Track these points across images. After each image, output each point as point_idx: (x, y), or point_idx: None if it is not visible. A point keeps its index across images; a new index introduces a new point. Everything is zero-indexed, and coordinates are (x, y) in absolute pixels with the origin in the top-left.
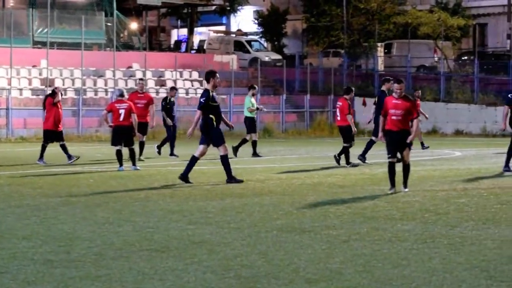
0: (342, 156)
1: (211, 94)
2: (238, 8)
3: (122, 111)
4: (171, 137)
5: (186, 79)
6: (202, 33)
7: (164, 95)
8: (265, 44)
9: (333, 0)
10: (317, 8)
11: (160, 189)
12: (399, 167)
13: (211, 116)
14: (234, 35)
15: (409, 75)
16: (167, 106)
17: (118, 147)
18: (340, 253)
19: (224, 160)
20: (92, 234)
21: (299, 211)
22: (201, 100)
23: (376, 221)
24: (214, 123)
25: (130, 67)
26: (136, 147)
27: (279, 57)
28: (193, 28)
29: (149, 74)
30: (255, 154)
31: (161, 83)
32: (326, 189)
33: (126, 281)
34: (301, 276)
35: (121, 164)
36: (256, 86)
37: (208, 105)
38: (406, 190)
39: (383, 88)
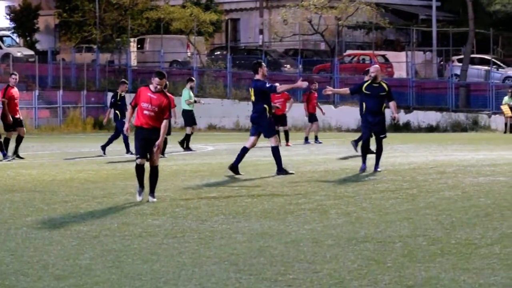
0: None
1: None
2: None
3: None
4: (115, 135)
5: None
6: None
7: None
8: (17, 40)
9: None
10: (70, 3)
11: None
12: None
13: (265, 105)
14: None
15: (162, 70)
16: (118, 102)
17: None
18: (90, 249)
19: (275, 151)
20: None
21: (50, 207)
22: (268, 85)
23: (127, 216)
24: (267, 112)
25: None
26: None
27: (31, 52)
28: None
29: None
30: (187, 148)
31: None
32: (78, 185)
33: None
34: (50, 273)
35: None
36: (194, 79)
37: (263, 94)
38: (154, 200)
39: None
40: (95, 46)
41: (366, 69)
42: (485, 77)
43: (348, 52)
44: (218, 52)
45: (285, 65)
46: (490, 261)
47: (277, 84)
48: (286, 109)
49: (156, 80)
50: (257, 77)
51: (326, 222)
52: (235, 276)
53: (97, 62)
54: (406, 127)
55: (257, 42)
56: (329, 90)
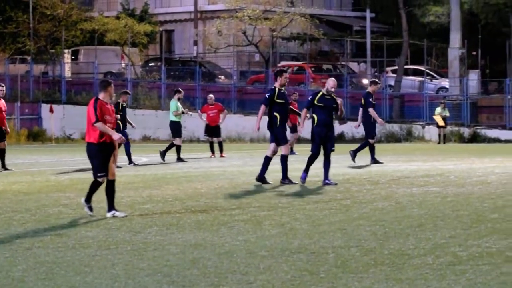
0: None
1: (277, 91)
2: None
3: None
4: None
5: None
6: None
7: None
8: None
9: (20, 6)
10: (3, 14)
11: None
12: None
13: (275, 114)
14: None
15: (96, 81)
16: (120, 113)
17: None
18: (23, 261)
19: (283, 160)
20: None
21: None
22: (266, 95)
23: (60, 228)
24: (278, 121)
25: None
26: None
27: None
28: None
29: None
30: (179, 159)
31: None
32: (11, 196)
33: None
34: None
35: None
36: (182, 90)
37: (273, 102)
38: (122, 214)
39: (369, 89)
40: (29, 57)
41: (372, 79)
42: (419, 88)
43: (283, 63)
44: (153, 64)
45: (220, 77)
46: (423, 271)
47: (263, 106)
48: (220, 120)
49: (112, 87)
50: (275, 84)
51: (260, 233)
52: (168, 287)
53: (31, 73)
54: (341, 138)
55: (192, 54)
56: (301, 128)
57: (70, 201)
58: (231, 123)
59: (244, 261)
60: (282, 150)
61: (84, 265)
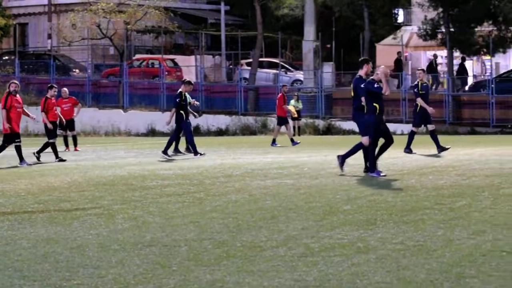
0: None
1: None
2: None
3: None
4: (176, 136)
5: None
6: None
7: None
8: None
9: None
10: None
11: None
12: None
13: (362, 103)
14: None
15: None
16: (182, 103)
17: None
18: None
19: (363, 149)
20: None
21: None
22: (361, 85)
23: None
24: (369, 109)
25: None
26: None
27: None
28: None
29: None
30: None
31: None
32: None
33: None
34: None
35: None
36: (192, 82)
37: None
38: None
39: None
40: None
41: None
42: (274, 81)
43: (137, 56)
44: (6, 57)
45: (74, 70)
46: (274, 263)
47: (363, 86)
48: (74, 114)
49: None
50: (360, 73)
51: (112, 227)
52: (19, 282)
53: None
54: (196, 131)
55: (46, 47)
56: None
57: None
58: (85, 116)
59: (96, 255)
60: (362, 141)
61: None
